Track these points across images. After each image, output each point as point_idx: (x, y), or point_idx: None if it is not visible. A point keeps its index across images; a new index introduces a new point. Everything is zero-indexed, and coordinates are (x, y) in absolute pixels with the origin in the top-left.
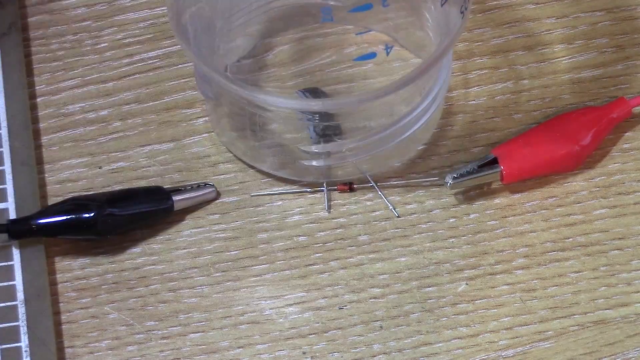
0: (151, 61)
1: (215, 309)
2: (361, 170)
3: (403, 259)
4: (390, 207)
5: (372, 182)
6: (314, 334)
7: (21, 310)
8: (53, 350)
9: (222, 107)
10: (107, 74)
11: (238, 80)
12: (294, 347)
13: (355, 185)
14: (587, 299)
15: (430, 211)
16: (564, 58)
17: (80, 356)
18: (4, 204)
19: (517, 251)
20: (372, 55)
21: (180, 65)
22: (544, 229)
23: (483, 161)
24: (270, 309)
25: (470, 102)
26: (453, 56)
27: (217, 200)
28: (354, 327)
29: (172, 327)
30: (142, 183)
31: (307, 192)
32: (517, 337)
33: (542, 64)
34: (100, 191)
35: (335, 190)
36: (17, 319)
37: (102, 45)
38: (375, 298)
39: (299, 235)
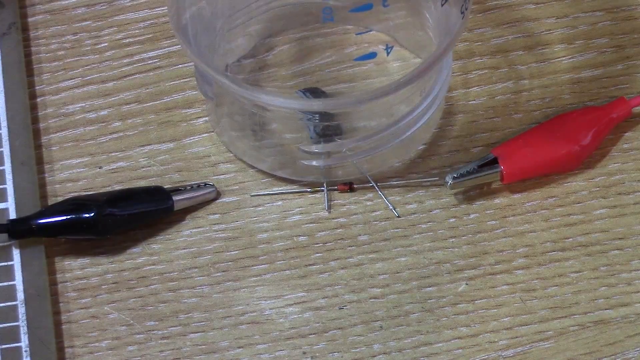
0: (151, 61)
1: (215, 309)
2: (361, 170)
3: (403, 259)
4: (391, 207)
5: (372, 182)
6: (314, 334)
7: (21, 310)
8: (53, 350)
9: (222, 107)
10: (107, 74)
11: (238, 80)
12: (294, 347)
13: (355, 185)
14: (587, 299)
15: (430, 211)
16: (564, 58)
17: (80, 356)
18: (4, 204)
19: (517, 251)
20: (372, 55)
21: (180, 65)
22: (544, 229)
23: (483, 161)
24: (270, 309)
25: (470, 102)
26: (453, 56)
27: (217, 200)
28: (354, 327)
29: (172, 327)
30: (142, 183)
31: (307, 192)
32: (517, 337)
33: (542, 64)
34: (100, 191)
35: (335, 190)
36: (17, 319)
37: (102, 45)
38: (375, 298)
39: (299, 235)
